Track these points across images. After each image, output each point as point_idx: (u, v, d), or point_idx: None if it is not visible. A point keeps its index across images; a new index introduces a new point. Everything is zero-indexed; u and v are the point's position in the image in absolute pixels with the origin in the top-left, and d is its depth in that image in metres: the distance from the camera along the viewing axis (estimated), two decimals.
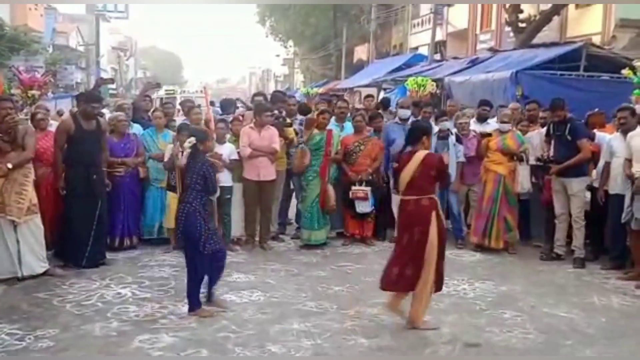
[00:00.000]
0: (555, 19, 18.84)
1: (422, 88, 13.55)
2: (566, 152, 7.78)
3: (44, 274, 6.80)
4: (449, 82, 13.85)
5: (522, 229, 8.64)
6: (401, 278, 5.59)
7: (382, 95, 16.74)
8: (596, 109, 8.85)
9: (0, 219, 6.56)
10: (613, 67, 11.19)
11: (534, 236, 8.79)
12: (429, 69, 18.08)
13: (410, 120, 9.06)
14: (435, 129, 9.19)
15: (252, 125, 8.38)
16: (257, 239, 8.54)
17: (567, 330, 5.63)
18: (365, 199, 8.54)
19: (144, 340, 5.21)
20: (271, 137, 8.33)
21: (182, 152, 7.95)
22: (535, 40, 17.43)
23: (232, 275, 6.95)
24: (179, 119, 9.59)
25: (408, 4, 32.26)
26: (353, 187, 8.57)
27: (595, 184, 7.92)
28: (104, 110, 9.70)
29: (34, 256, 6.74)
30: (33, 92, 9.48)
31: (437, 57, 24.98)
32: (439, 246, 5.51)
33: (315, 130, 8.54)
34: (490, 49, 18.03)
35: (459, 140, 8.71)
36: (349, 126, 9.20)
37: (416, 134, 5.79)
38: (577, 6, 19.11)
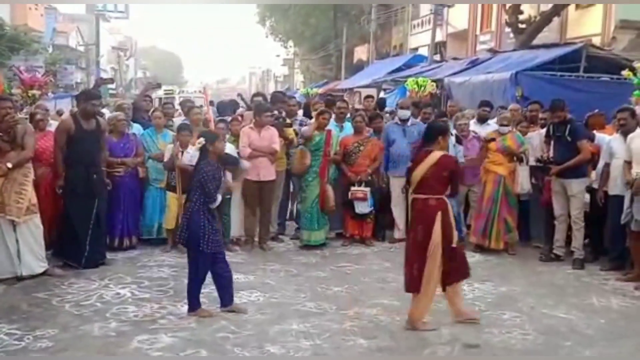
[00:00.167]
0: (555, 20, 18.84)
1: (422, 89, 13.54)
2: (566, 153, 7.78)
3: (43, 274, 6.79)
4: (449, 82, 13.83)
5: (521, 230, 8.64)
6: (412, 279, 5.62)
7: (381, 95, 16.73)
8: (596, 110, 8.85)
9: (0, 219, 6.55)
10: (613, 68, 11.18)
11: (534, 237, 8.79)
12: (429, 70, 18.07)
13: (410, 121, 9.07)
14: None
15: (252, 125, 8.38)
16: (256, 239, 8.54)
17: (566, 331, 5.62)
18: (364, 199, 8.54)
19: (142, 340, 5.21)
20: (271, 137, 8.33)
21: (182, 152, 8.00)
22: (535, 41, 17.43)
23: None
24: (178, 119, 9.59)
25: (408, 4, 32.27)
26: (352, 188, 8.57)
27: (595, 185, 7.92)
28: (104, 110, 9.69)
29: (34, 256, 6.74)
30: (33, 91, 9.50)
31: (437, 57, 24.98)
32: (444, 246, 5.49)
33: (315, 131, 8.55)
34: (490, 50, 18.03)
35: (458, 141, 8.70)
36: (348, 126, 9.20)
37: (432, 134, 5.76)
38: (577, 7, 19.12)
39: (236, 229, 8.46)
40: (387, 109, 12.54)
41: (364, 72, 27.96)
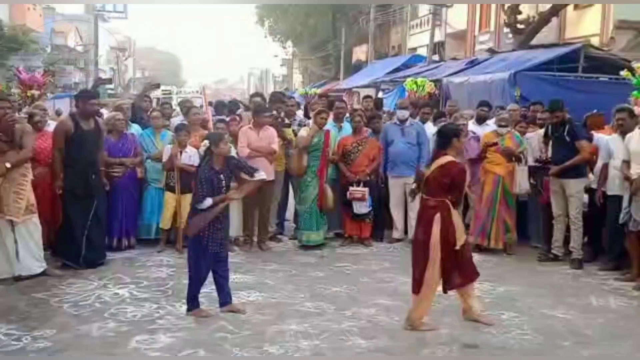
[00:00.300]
0: (554, 20, 18.83)
1: (420, 89, 13.54)
2: (565, 153, 7.78)
3: (42, 274, 6.78)
4: (448, 83, 13.83)
5: (520, 230, 8.64)
6: (413, 279, 5.64)
7: (379, 95, 16.74)
8: (594, 110, 8.85)
9: None
10: (611, 68, 11.18)
11: (532, 237, 8.80)
12: (428, 70, 18.07)
13: (408, 121, 9.06)
14: (434, 129, 9.21)
15: (250, 125, 8.38)
16: (255, 239, 8.53)
17: (565, 332, 5.63)
18: (363, 199, 8.54)
19: (141, 340, 5.20)
20: (270, 137, 8.33)
21: (181, 152, 8.00)
22: (534, 42, 17.42)
23: (230, 275, 6.92)
24: (176, 119, 9.59)
25: (407, 4, 32.28)
26: (351, 188, 8.57)
27: (593, 185, 7.93)
28: (103, 110, 9.68)
29: (32, 256, 6.73)
30: (33, 92, 9.49)
31: (436, 58, 24.99)
32: (446, 249, 5.48)
33: (312, 128, 8.53)
34: (489, 50, 18.01)
35: None
36: (347, 126, 9.20)
37: (446, 137, 5.69)
38: (575, 7, 19.12)
39: (235, 229, 8.45)
40: (384, 109, 12.54)
41: (363, 73, 27.97)
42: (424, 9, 30.24)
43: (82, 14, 49.47)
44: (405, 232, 9.01)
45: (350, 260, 7.98)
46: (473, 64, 15.43)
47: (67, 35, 42.63)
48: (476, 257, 8.07)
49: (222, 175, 5.69)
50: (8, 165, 6.46)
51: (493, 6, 24.49)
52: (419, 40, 30.81)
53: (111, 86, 37.95)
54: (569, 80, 11.39)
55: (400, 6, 33.05)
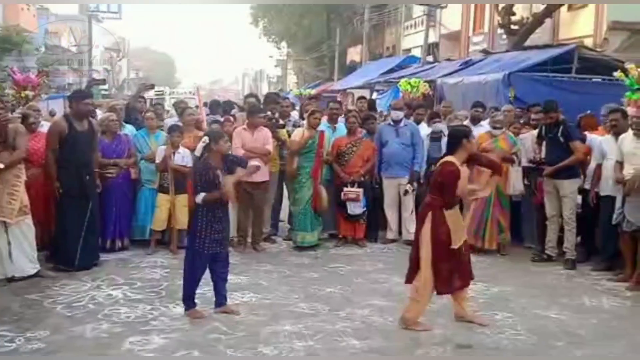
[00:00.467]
0: (548, 21, 18.87)
1: (414, 90, 13.55)
2: (559, 154, 7.81)
3: (35, 275, 6.76)
4: (442, 83, 13.85)
5: (513, 231, 8.65)
6: (409, 269, 5.66)
7: (373, 97, 16.75)
8: (588, 111, 8.88)
9: None
10: (605, 69, 11.21)
11: (526, 238, 8.81)
12: (422, 71, 18.08)
13: (402, 122, 9.07)
14: (428, 130, 9.24)
15: (244, 126, 8.38)
16: (249, 240, 8.53)
17: (558, 332, 5.64)
18: (357, 200, 8.54)
19: (134, 342, 5.19)
20: (264, 138, 8.32)
21: (174, 153, 7.99)
22: (528, 43, 17.46)
23: None
24: (170, 120, 9.57)
25: (402, 4, 32.31)
26: (345, 189, 8.57)
27: (587, 186, 7.96)
28: (97, 111, 9.66)
29: (25, 257, 6.70)
30: (27, 92, 9.46)
31: (430, 58, 25.01)
32: (434, 248, 5.47)
33: (307, 133, 8.54)
34: (483, 51, 18.05)
35: None
36: (341, 127, 9.20)
37: (456, 139, 5.65)
38: (569, 8, 19.18)
39: (229, 229, 8.44)
40: (379, 110, 12.55)
41: (357, 73, 27.99)
42: (418, 10, 30.28)
43: (77, 14, 49.35)
44: (400, 232, 9.02)
45: (345, 261, 7.98)
46: (467, 64, 15.44)
47: (61, 35, 42.53)
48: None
49: (218, 171, 5.71)
50: (1, 166, 6.44)
51: (487, 7, 24.53)
52: (413, 41, 30.86)
53: (105, 87, 37.83)
54: (562, 81, 11.42)
55: (394, 7, 33.10)
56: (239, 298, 6.34)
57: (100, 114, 9.39)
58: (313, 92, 23.58)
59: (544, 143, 8.10)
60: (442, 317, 5.85)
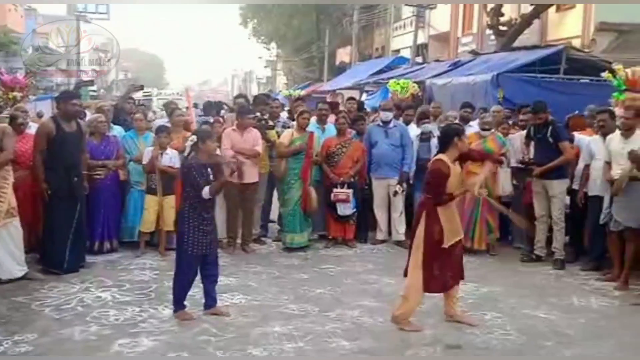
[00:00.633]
0: (536, 22, 18.98)
1: (404, 90, 13.57)
2: (548, 154, 7.84)
3: (23, 277, 6.71)
4: (431, 84, 13.88)
5: (502, 231, 8.68)
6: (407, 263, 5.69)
7: (363, 97, 16.76)
8: (576, 112, 8.91)
9: None
10: (593, 70, 11.26)
11: (515, 238, 8.85)
12: (411, 72, 18.10)
13: (392, 123, 9.07)
14: (417, 131, 9.24)
15: (234, 127, 8.36)
16: (239, 241, 8.51)
17: (547, 331, 5.66)
18: (347, 201, 8.54)
19: (123, 344, 5.17)
20: (253, 139, 8.31)
21: (161, 154, 7.96)
22: (516, 44, 17.54)
23: None
24: (158, 120, 9.54)
25: (391, 5, 32.38)
26: (335, 190, 8.56)
27: (575, 186, 7.99)
28: (86, 112, 9.61)
29: (13, 260, 6.66)
30: (15, 93, 9.40)
31: (419, 59, 25.08)
32: (427, 247, 5.48)
33: (296, 134, 8.53)
34: (472, 52, 18.10)
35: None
36: (331, 128, 9.19)
37: (447, 137, 5.67)
38: (557, 9, 19.28)
39: (218, 231, 8.39)
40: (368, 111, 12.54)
41: (347, 74, 28.01)
42: (407, 11, 30.35)
43: (65, 15, 49.05)
44: (389, 233, 9.02)
45: (334, 262, 7.98)
46: (456, 65, 15.48)
47: (48, 36, 42.27)
48: None
49: (207, 167, 5.72)
50: None
51: (476, 8, 24.64)
52: (402, 42, 30.94)
53: (93, 88, 37.61)
54: (551, 82, 11.47)
55: (384, 7, 33.16)
56: (228, 299, 6.32)
57: (88, 114, 9.35)
58: (302, 92, 23.55)
59: (533, 143, 8.14)
60: (432, 317, 5.86)
